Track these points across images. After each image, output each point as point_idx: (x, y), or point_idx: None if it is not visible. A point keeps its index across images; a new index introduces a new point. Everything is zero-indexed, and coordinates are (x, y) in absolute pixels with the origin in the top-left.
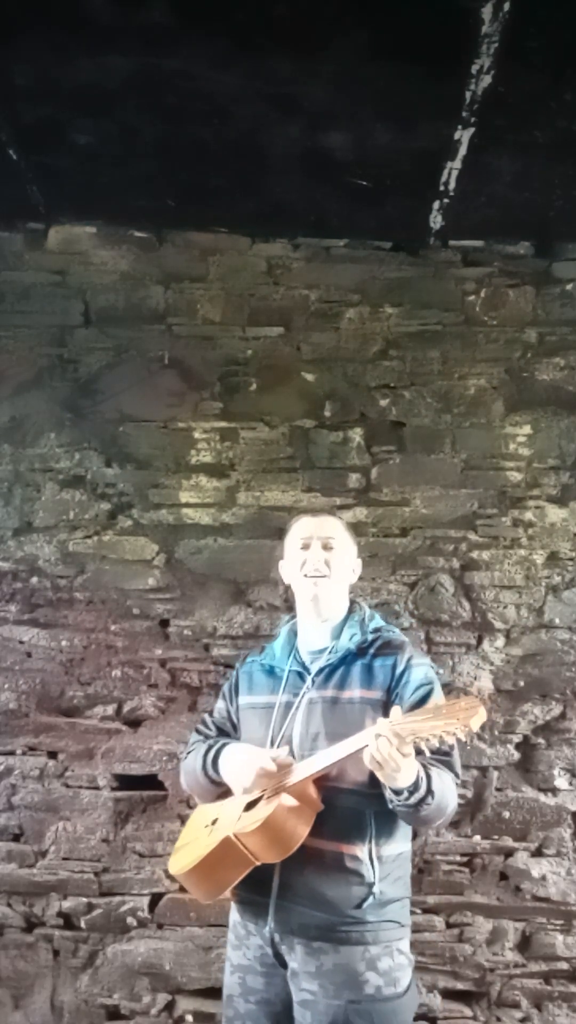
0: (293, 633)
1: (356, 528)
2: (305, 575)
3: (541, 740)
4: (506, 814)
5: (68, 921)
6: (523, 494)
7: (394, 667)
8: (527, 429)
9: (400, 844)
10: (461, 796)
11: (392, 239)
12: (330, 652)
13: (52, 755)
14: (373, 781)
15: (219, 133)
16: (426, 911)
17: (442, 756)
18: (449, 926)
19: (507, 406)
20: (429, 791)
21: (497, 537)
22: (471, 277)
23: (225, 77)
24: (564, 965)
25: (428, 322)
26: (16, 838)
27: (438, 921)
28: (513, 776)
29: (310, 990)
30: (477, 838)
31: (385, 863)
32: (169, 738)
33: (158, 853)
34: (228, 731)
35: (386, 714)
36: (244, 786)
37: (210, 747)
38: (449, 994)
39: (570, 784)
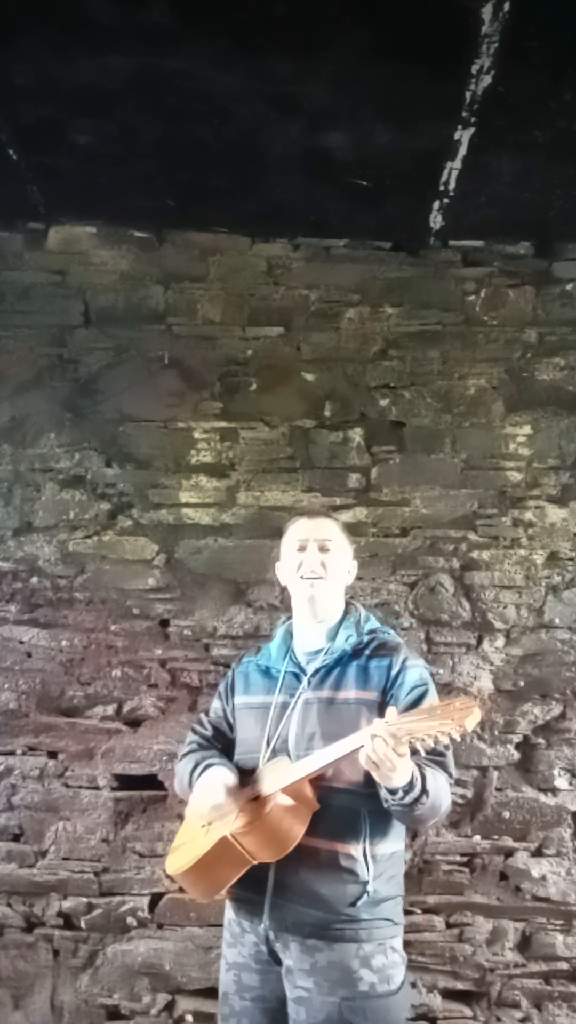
0: (289, 634)
1: (356, 528)
2: (301, 576)
3: (541, 740)
4: (506, 814)
5: (68, 921)
6: (523, 494)
7: (389, 668)
8: (527, 429)
9: (394, 843)
10: (461, 796)
11: (392, 239)
12: (326, 653)
13: (52, 755)
14: (368, 781)
15: (219, 133)
16: (426, 911)
17: (437, 756)
18: (449, 926)
19: (507, 406)
20: (424, 791)
21: (497, 537)
22: (471, 277)
23: (225, 77)
24: (564, 965)
25: (428, 322)
26: (16, 838)
27: (438, 921)
28: (513, 776)
29: (305, 987)
30: (477, 838)
31: (379, 862)
32: (169, 738)
33: (158, 853)
34: (224, 731)
35: (381, 715)
36: (196, 812)
37: (196, 764)
38: (449, 994)
39: (570, 784)
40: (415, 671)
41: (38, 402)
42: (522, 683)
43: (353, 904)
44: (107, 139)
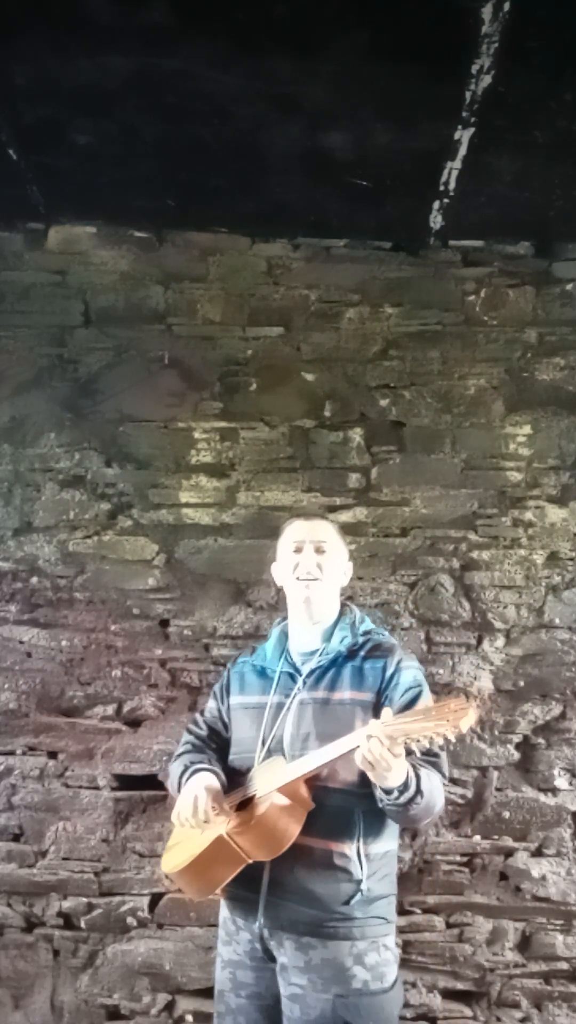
0: (284, 634)
1: (356, 528)
2: (297, 578)
3: (541, 740)
4: (506, 814)
5: (68, 921)
6: (523, 494)
7: (384, 669)
8: (527, 429)
9: (387, 842)
10: (461, 796)
11: (392, 239)
12: (321, 654)
13: (52, 755)
14: (362, 781)
15: (219, 133)
16: (426, 911)
17: (431, 757)
18: (449, 926)
19: (507, 406)
20: (418, 791)
21: (497, 537)
22: (471, 277)
23: (225, 77)
24: (564, 965)
25: (428, 322)
26: (16, 838)
27: (438, 921)
28: (513, 776)
29: (299, 984)
30: (477, 838)
31: (373, 861)
32: (169, 738)
33: (158, 853)
34: (219, 731)
35: (376, 715)
36: (180, 818)
37: (186, 768)
38: (449, 994)
39: (570, 784)
40: (409, 672)
41: (38, 402)
42: (522, 683)
43: (347, 902)
44: (107, 139)
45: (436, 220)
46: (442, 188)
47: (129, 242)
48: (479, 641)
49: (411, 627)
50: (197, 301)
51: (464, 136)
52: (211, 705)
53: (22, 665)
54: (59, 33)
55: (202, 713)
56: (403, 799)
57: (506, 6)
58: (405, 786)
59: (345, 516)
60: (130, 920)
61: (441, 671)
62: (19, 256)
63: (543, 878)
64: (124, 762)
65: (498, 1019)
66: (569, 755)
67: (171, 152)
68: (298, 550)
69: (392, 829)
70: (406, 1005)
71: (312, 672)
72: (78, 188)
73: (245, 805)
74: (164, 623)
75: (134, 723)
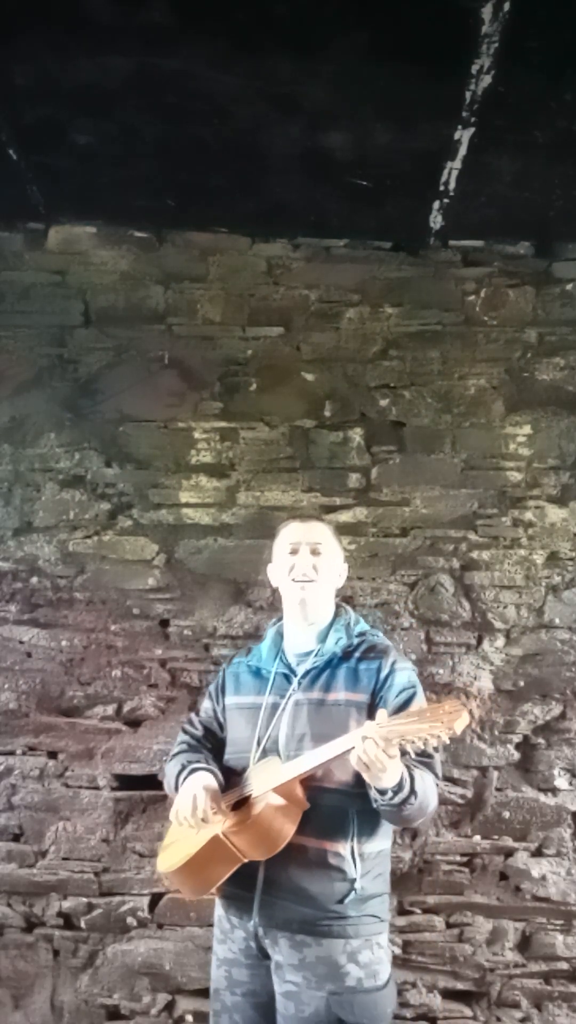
0: (279, 635)
1: (356, 528)
2: (293, 579)
3: (541, 740)
4: (506, 814)
5: (68, 921)
6: (523, 494)
7: (379, 671)
8: (527, 429)
9: (381, 842)
10: (461, 796)
11: (392, 239)
12: (316, 655)
13: (52, 755)
14: (357, 781)
15: (219, 133)
16: (426, 911)
17: (425, 758)
18: (449, 926)
19: (507, 406)
20: (412, 791)
21: (497, 537)
22: (471, 277)
23: (225, 77)
24: (564, 965)
25: (428, 322)
26: (16, 838)
27: (438, 921)
28: (513, 776)
29: (294, 981)
30: (477, 838)
31: (367, 860)
32: (169, 738)
33: (158, 853)
34: (215, 730)
35: (371, 716)
36: (178, 817)
37: (183, 767)
38: (449, 994)
39: (570, 784)
40: (404, 674)
41: (38, 402)
42: (522, 683)
43: (341, 901)
44: (107, 139)
45: (436, 220)
46: (442, 188)
47: (129, 242)
48: (479, 641)
49: (411, 627)
50: (197, 301)
51: (464, 136)
52: (206, 705)
53: (22, 665)
54: (59, 33)
55: (197, 713)
56: (397, 800)
57: (506, 6)
58: (399, 787)
59: (345, 516)
60: (130, 920)
61: (441, 671)
62: (19, 256)
63: (543, 878)
64: (124, 762)
65: (498, 1019)
66: (569, 755)
67: (171, 152)
68: (294, 551)
69: (386, 829)
70: (406, 1005)
71: (307, 673)
72: (78, 188)
73: (241, 805)
74: (164, 623)
75: (134, 723)
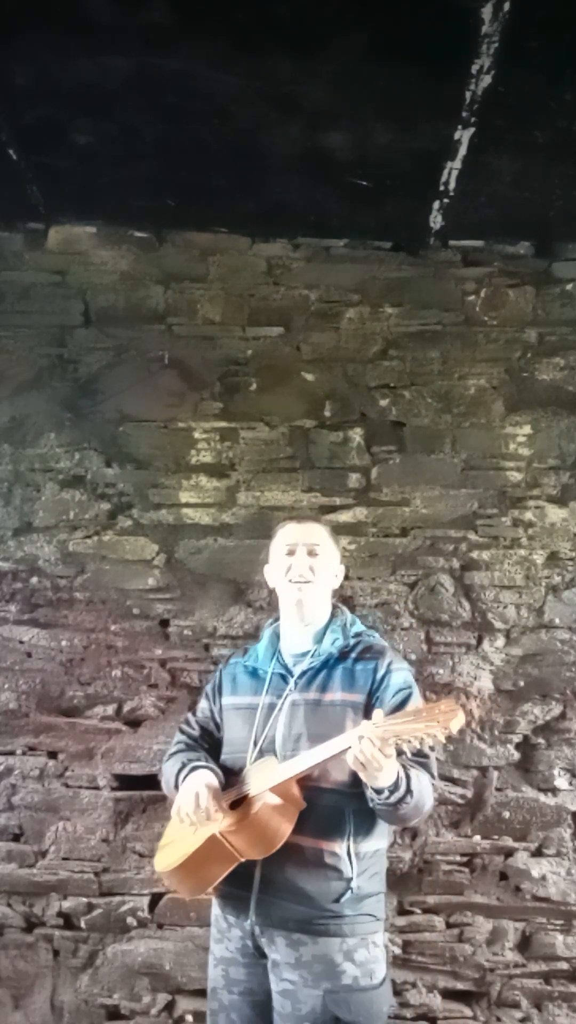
0: (276, 636)
1: (356, 528)
2: (290, 580)
3: (541, 740)
4: (506, 814)
5: (68, 921)
6: (523, 494)
7: (375, 671)
8: (527, 429)
9: (377, 841)
10: (461, 796)
11: (392, 239)
12: (313, 655)
13: (52, 755)
14: (353, 781)
15: (219, 133)
16: (426, 911)
17: (421, 758)
18: (449, 926)
19: (507, 406)
20: (408, 791)
21: (497, 537)
22: (471, 277)
23: (225, 77)
24: (564, 965)
25: (428, 322)
26: (16, 838)
27: (438, 921)
28: (513, 776)
29: (290, 980)
30: (477, 838)
31: (363, 859)
32: (169, 738)
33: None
34: (211, 730)
35: (367, 716)
36: (180, 814)
37: (183, 765)
38: (449, 994)
39: (570, 784)
40: (400, 674)
41: (38, 402)
42: (522, 683)
43: (337, 900)
44: (107, 139)
45: (436, 220)
46: (442, 188)
47: (129, 242)
48: (479, 641)
49: (411, 627)
50: (197, 301)
51: (464, 136)
52: (203, 705)
53: (22, 665)
54: (59, 33)
55: (194, 713)
56: (393, 799)
57: (506, 6)
58: (395, 786)
59: (345, 516)
60: (130, 920)
61: (441, 671)
62: (19, 256)
63: (543, 878)
64: (124, 762)
65: (498, 1019)
66: (569, 755)
67: (171, 152)
68: (291, 552)
69: (382, 828)
70: (406, 1005)
71: (304, 673)
72: (78, 188)
73: (238, 804)
74: (164, 623)
75: (134, 723)
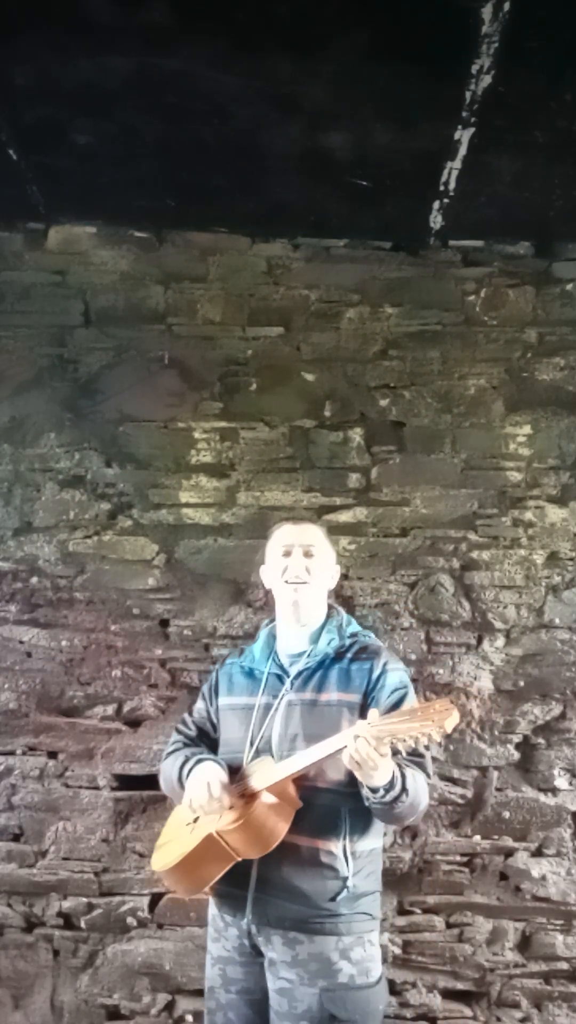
0: (272, 636)
1: (356, 528)
2: (286, 581)
3: (541, 740)
4: (506, 814)
5: (68, 921)
6: (523, 494)
7: (371, 671)
8: (527, 429)
9: (373, 840)
10: (461, 796)
11: (392, 239)
12: (309, 656)
13: (52, 755)
14: (349, 780)
15: (219, 133)
16: (426, 911)
17: (416, 757)
18: (449, 926)
19: (507, 406)
20: (404, 789)
21: (497, 537)
22: (471, 277)
23: (225, 77)
24: (564, 965)
25: (428, 322)
26: (16, 838)
27: (438, 921)
28: (513, 776)
29: (287, 978)
30: (477, 838)
31: (359, 858)
32: (169, 738)
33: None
34: (208, 731)
35: (363, 716)
36: (192, 805)
37: (187, 758)
38: (449, 994)
39: (570, 784)
40: (395, 674)
41: (38, 402)
42: (522, 683)
43: (333, 899)
44: (107, 139)
45: (436, 220)
46: (442, 188)
47: (129, 242)
48: (479, 641)
49: (411, 627)
50: (197, 301)
51: (464, 136)
52: (199, 706)
53: (22, 665)
54: (59, 33)
55: (191, 713)
56: (389, 797)
57: (506, 6)
58: (391, 785)
59: (345, 516)
60: (130, 920)
61: (441, 671)
62: (19, 256)
63: (543, 878)
64: (124, 762)
65: (498, 1019)
66: (569, 755)
67: (171, 152)
68: (287, 554)
69: (378, 827)
70: (406, 1005)
71: (300, 673)
72: (78, 188)
73: (234, 804)
74: (164, 623)
75: (134, 723)
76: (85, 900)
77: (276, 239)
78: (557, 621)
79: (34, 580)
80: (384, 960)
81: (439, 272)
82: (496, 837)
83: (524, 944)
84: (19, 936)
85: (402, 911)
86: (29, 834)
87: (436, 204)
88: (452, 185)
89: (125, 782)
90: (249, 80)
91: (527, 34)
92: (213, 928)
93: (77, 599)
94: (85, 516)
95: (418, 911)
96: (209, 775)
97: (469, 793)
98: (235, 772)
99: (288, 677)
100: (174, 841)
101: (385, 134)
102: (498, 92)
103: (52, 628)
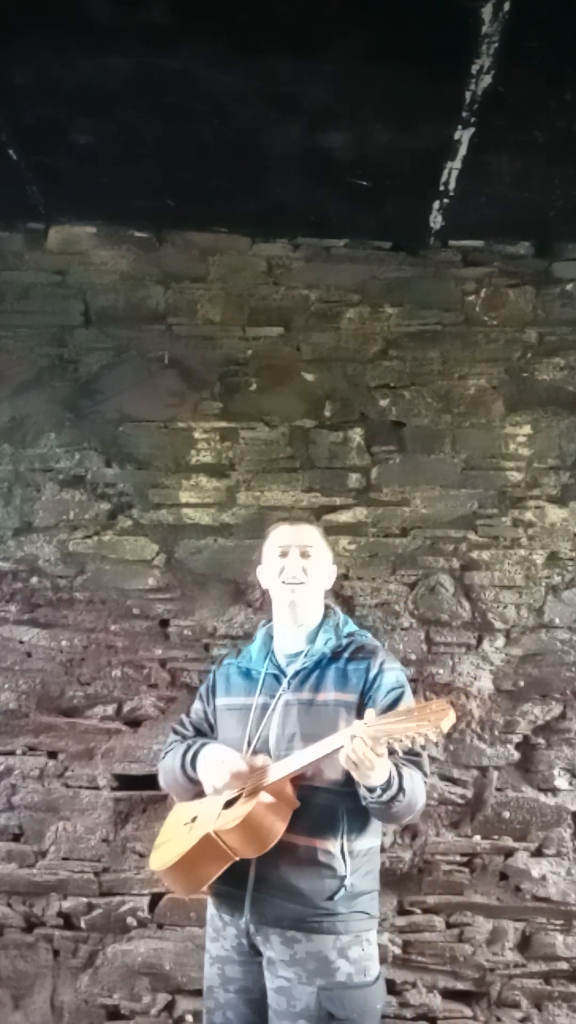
0: (269, 636)
1: (356, 528)
2: (283, 582)
3: (541, 740)
4: (506, 814)
5: (68, 921)
6: (523, 494)
7: (367, 671)
8: (527, 429)
9: (370, 839)
10: (461, 796)
11: (392, 239)
12: (306, 656)
13: (52, 755)
14: (346, 780)
15: (219, 133)
16: (426, 911)
17: (412, 756)
18: (449, 926)
19: (507, 406)
20: (400, 789)
21: (497, 537)
22: (471, 277)
23: (225, 77)
24: (564, 965)
25: (428, 322)
26: (16, 838)
27: (438, 921)
28: (513, 776)
29: (285, 977)
30: (477, 838)
31: (356, 857)
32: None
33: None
34: (205, 731)
35: (360, 716)
36: (215, 785)
37: (189, 747)
38: (449, 994)
39: (570, 784)
40: (392, 674)
41: (38, 402)
42: (522, 683)
43: (331, 898)
44: (107, 139)
45: (436, 220)
46: (442, 188)
47: (129, 242)
48: (479, 641)
49: (411, 627)
50: (197, 301)
51: (464, 136)
52: (197, 706)
53: (22, 665)
54: (59, 33)
55: (188, 714)
56: (386, 797)
57: (506, 6)
58: (388, 784)
59: (345, 516)
60: (130, 920)
61: (441, 671)
62: (19, 256)
63: (543, 878)
64: (124, 762)
65: (498, 1019)
66: (569, 755)
67: (171, 152)
68: (284, 554)
69: (375, 826)
70: (406, 1005)
71: (297, 673)
72: (78, 188)
73: (232, 803)
74: (164, 623)
75: (134, 723)
76: (85, 900)
77: (276, 239)
78: (557, 621)
79: (34, 580)
80: (384, 960)
81: (439, 272)
82: (496, 837)
83: (524, 944)
84: (19, 936)
85: (402, 911)
86: (29, 834)
87: (436, 204)
88: (452, 185)
89: (125, 782)
90: (249, 80)
91: (527, 34)
92: (211, 927)
93: (77, 599)
94: (85, 516)
95: (418, 911)
96: (220, 755)
97: (469, 793)
98: None
99: (285, 677)
100: (172, 841)
101: (385, 134)
102: (498, 92)
103: (52, 628)
